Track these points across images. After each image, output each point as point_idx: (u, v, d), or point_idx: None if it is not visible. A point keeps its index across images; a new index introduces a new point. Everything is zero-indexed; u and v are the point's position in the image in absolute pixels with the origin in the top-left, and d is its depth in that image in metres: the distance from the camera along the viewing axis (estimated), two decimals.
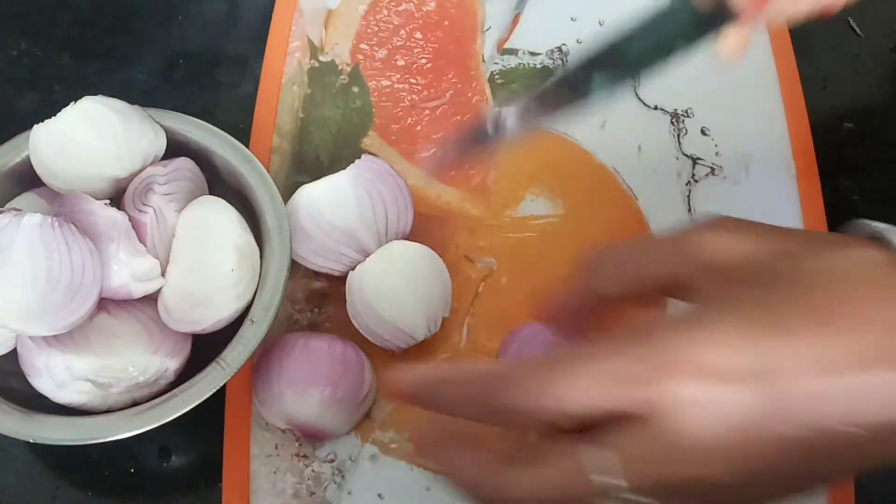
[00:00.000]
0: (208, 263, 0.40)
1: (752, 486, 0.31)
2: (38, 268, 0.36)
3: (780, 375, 0.30)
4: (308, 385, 0.42)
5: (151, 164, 0.43)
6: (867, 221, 0.33)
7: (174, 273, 0.41)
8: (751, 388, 0.30)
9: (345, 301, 0.45)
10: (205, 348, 0.40)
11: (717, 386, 0.30)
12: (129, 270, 0.39)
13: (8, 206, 0.42)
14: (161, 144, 0.43)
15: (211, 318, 0.40)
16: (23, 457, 0.43)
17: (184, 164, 0.43)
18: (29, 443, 0.43)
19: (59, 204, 0.40)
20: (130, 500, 0.43)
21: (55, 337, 0.38)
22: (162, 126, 0.43)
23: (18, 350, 0.39)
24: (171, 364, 0.40)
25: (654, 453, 0.31)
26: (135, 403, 0.39)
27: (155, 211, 0.41)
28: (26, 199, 0.43)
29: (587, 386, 0.31)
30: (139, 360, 0.39)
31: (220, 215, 0.42)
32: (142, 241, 0.40)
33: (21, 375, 0.39)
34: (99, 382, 0.38)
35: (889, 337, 0.30)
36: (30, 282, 0.36)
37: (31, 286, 0.36)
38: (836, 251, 0.33)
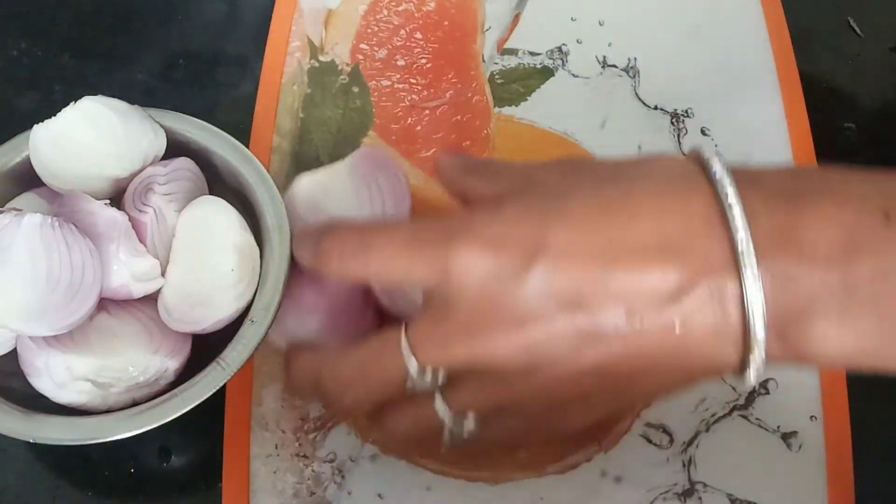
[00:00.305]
0: (208, 263, 0.40)
1: (535, 370, 0.32)
2: (38, 268, 0.36)
3: (551, 250, 0.31)
4: (311, 310, 0.42)
5: (151, 164, 0.43)
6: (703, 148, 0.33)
7: (174, 273, 0.41)
8: (527, 256, 0.31)
9: None
10: (204, 348, 0.40)
11: (493, 251, 0.31)
12: (129, 270, 0.39)
13: (8, 206, 0.42)
14: (161, 144, 0.43)
15: (211, 317, 0.40)
16: (23, 457, 0.43)
17: (184, 164, 0.43)
18: (29, 443, 0.43)
19: (59, 204, 0.40)
20: (130, 500, 0.43)
21: (55, 337, 0.38)
22: (162, 126, 0.43)
23: (18, 350, 0.39)
24: (171, 364, 0.40)
25: (436, 325, 0.32)
26: (135, 403, 0.39)
27: (155, 211, 0.41)
28: (26, 199, 0.43)
29: (390, 251, 0.33)
30: (139, 360, 0.39)
31: (219, 215, 0.42)
32: (142, 241, 0.40)
33: (21, 375, 0.39)
34: (99, 382, 0.38)
35: (677, 231, 0.30)
36: (30, 282, 0.36)
37: (32, 286, 0.36)
38: (647, 161, 0.34)
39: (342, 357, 0.36)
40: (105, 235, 0.38)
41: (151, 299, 0.40)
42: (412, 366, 0.33)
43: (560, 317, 0.31)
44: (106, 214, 0.39)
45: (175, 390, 0.38)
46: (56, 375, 0.38)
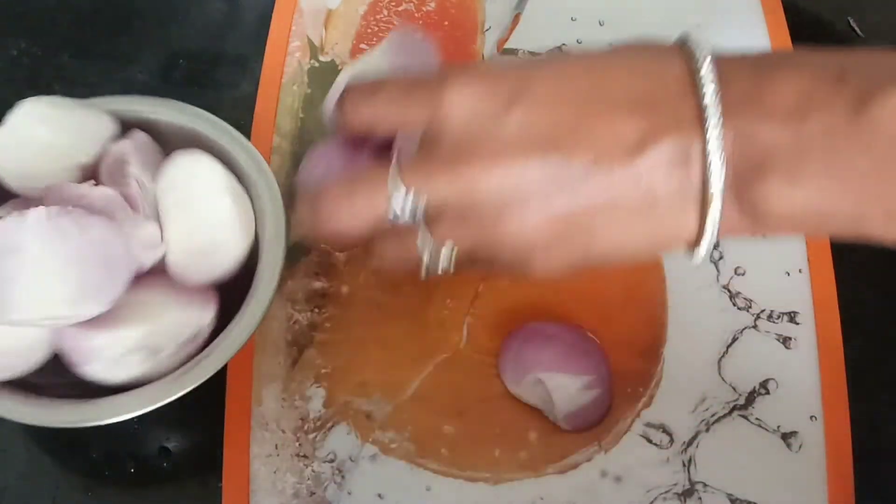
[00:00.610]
0: (205, 211, 0.41)
1: (506, 208, 0.34)
2: (61, 255, 0.36)
3: (532, 95, 0.33)
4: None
5: (110, 143, 0.43)
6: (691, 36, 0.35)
7: (174, 234, 0.41)
8: (506, 97, 0.33)
9: (344, 301, 0.45)
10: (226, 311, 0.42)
11: (480, 92, 0.34)
12: (136, 240, 0.39)
13: None
14: (109, 124, 0.43)
15: (226, 260, 0.41)
16: (23, 457, 0.43)
17: (142, 137, 0.44)
18: (29, 443, 0.43)
19: (46, 201, 0.40)
20: (130, 501, 0.43)
21: (95, 320, 0.38)
22: (156, 117, 0.45)
23: (62, 345, 0.39)
24: (205, 315, 0.41)
25: (423, 159, 0.35)
26: (183, 363, 0.40)
27: (137, 181, 0.42)
28: (5, 211, 0.43)
29: (394, 93, 0.36)
30: (177, 316, 0.40)
31: (199, 164, 0.42)
32: (135, 211, 0.41)
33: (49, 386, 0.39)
34: (149, 349, 0.39)
35: (650, 90, 0.33)
36: (59, 270, 0.36)
37: (63, 274, 0.36)
38: (632, 42, 0.36)
39: (335, 181, 0.37)
40: (104, 212, 0.39)
41: (160, 269, 0.41)
42: (398, 189, 0.35)
43: (534, 157, 0.33)
44: (97, 193, 0.39)
45: (211, 345, 0.40)
46: (109, 353, 0.38)
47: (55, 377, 0.39)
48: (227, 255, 0.41)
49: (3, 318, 0.36)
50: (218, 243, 0.41)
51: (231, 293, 0.41)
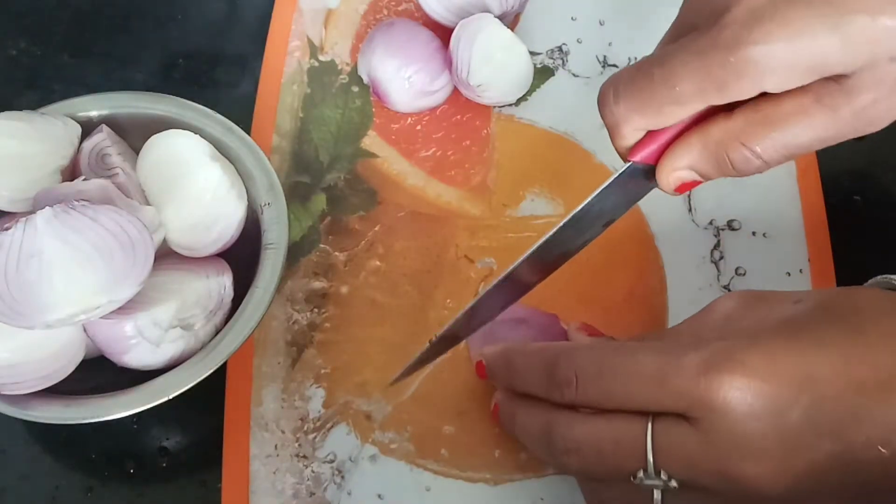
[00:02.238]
0: (196, 185, 0.42)
1: (797, 500, 0.32)
2: (81, 248, 0.37)
3: (819, 382, 0.32)
4: (395, 54, 0.50)
5: (81, 143, 0.44)
6: (884, 276, 0.36)
7: (169, 215, 0.42)
8: (794, 390, 0.32)
9: (344, 301, 0.44)
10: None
11: (763, 385, 0.32)
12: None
13: None
14: (74, 126, 0.44)
15: (227, 229, 0.42)
16: (23, 457, 0.43)
17: (108, 130, 0.44)
18: (29, 443, 0.43)
19: (37, 207, 0.40)
20: (130, 501, 0.43)
21: (126, 307, 0.38)
22: (158, 112, 0.45)
23: (101, 338, 0.39)
24: (225, 281, 0.42)
25: (704, 448, 0.33)
26: (217, 331, 0.41)
27: (121, 170, 0.42)
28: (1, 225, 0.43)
29: (638, 384, 0.34)
30: (199, 287, 0.41)
31: (180, 140, 0.43)
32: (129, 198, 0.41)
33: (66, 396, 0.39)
34: (185, 324, 0.40)
35: None
36: (84, 263, 0.37)
37: (89, 265, 0.37)
38: (847, 295, 0.35)
39: (579, 424, 0.36)
40: (105, 202, 0.39)
41: (165, 250, 0.42)
42: (649, 467, 0.33)
43: (823, 449, 0.32)
44: (93, 185, 0.40)
45: (230, 322, 0.41)
46: (150, 334, 0.39)
47: (79, 382, 0.39)
48: (226, 224, 0.42)
49: (38, 322, 0.36)
50: (215, 214, 0.42)
51: (238, 263, 0.43)
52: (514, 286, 0.40)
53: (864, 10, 0.31)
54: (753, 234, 0.49)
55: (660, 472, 0.33)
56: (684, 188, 0.37)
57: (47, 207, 0.37)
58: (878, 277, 0.37)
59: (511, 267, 0.39)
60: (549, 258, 0.40)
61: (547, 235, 0.39)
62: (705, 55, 0.33)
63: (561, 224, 0.38)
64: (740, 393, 0.32)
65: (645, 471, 0.34)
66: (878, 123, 0.34)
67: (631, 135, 0.37)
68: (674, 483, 0.33)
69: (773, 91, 0.33)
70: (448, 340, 0.42)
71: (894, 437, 0.32)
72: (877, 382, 0.32)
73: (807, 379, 0.32)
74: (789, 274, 0.48)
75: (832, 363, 0.32)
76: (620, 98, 0.36)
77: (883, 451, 0.32)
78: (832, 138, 0.34)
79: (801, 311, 0.35)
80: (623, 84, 0.36)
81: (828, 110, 0.33)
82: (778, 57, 0.32)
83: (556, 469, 0.38)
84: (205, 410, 0.44)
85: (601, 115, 0.37)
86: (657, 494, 0.34)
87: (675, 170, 0.36)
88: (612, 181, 0.37)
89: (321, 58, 0.55)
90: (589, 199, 0.38)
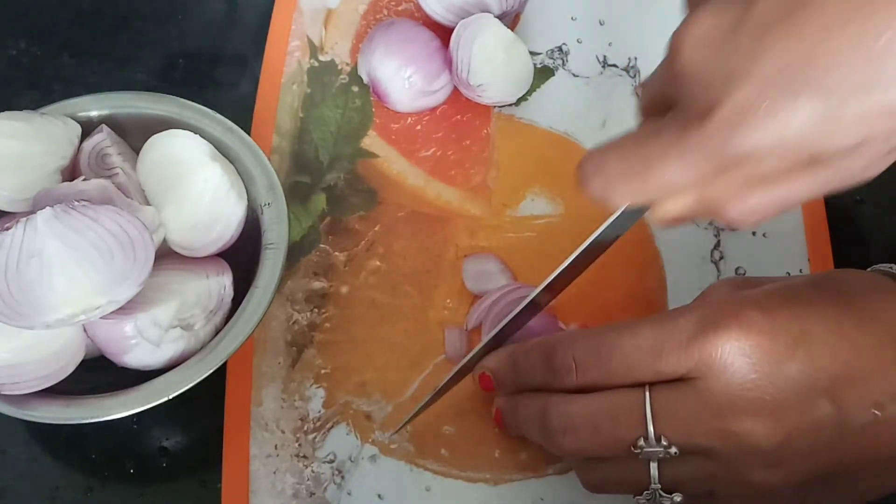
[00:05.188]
0: (196, 185, 0.42)
1: (793, 457, 0.32)
2: (81, 248, 0.37)
3: (815, 339, 0.32)
4: (395, 54, 0.50)
5: (80, 143, 0.44)
6: (886, 264, 0.37)
7: (170, 215, 0.42)
8: (791, 344, 0.32)
9: (344, 301, 0.44)
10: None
11: (760, 337, 0.32)
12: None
13: None
14: (74, 126, 0.44)
15: (227, 229, 0.42)
16: (23, 457, 0.43)
17: (108, 130, 0.44)
18: (29, 443, 0.43)
19: (37, 207, 0.40)
20: (130, 501, 0.43)
21: (126, 307, 0.38)
22: (158, 111, 0.45)
23: (101, 338, 0.39)
24: (224, 281, 0.42)
25: (703, 407, 0.33)
26: (217, 331, 0.41)
27: (121, 169, 0.42)
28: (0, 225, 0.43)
29: (637, 356, 0.34)
30: (200, 286, 0.41)
31: (178, 140, 0.43)
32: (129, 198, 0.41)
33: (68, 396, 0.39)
34: (185, 324, 0.40)
35: None
36: (84, 262, 0.37)
37: (88, 265, 0.37)
38: (843, 272, 0.36)
39: (575, 402, 0.36)
40: (105, 202, 0.39)
41: (165, 251, 0.42)
42: (649, 434, 0.33)
43: (819, 406, 0.32)
44: (92, 185, 0.40)
45: (228, 324, 0.41)
46: (149, 334, 0.39)
47: (79, 382, 0.39)
48: (226, 224, 0.42)
49: (38, 322, 0.36)
50: (215, 214, 0.42)
51: (238, 263, 0.43)
52: (520, 321, 0.42)
53: (857, 88, 0.28)
54: (753, 234, 0.49)
55: (660, 439, 0.33)
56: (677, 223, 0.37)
57: (47, 207, 0.37)
58: (879, 265, 0.37)
59: (508, 316, 0.41)
60: (556, 288, 0.41)
61: (547, 280, 0.39)
62: (693, 150, 0.31)
63: (563, 265, 0.39)
64: (738, 345, 0.32)
65: (645, 439, 0.34)
66: (871, 175, 0.33)
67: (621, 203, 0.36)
68: (674, 449, 0.33)
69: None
70: (453, 379, 0.42)
71: (888, 401, 0.32)
72: (870, 346, 0.32)
73: (803, 334, 0.32)
74: (789, 274, 0.48)
75: (826, 324, 0.33)
76: (609, 180, 0.34)
77: (877, 413, 0.32)
78: (825, 193, 0.34)
79: (794, 282, 0.36)
80: (612, 167, 0.34)
81: (821, 171, 0.33)
82: (768, 149, 0.30)
83: (552, 451, 0.38)
84: (205, 410, 0.44)
85: (584, 189, 0.36)
86: (653, 469, 0.34)
87: (668, 213, 0.36)
88: (610, 222, 0.37)
89: (321, 58, 0.55)
90: (588, 241, 0.38)
